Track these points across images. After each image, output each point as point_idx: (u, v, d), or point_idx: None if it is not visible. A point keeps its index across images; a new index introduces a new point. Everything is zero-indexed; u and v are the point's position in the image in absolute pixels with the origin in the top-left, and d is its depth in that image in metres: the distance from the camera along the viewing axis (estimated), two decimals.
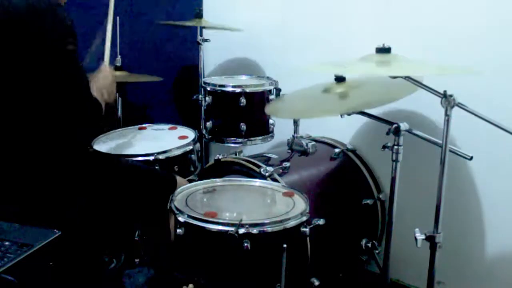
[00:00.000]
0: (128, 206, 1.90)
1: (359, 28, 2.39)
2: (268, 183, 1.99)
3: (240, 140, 2.43)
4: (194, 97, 2.69)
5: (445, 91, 1.51)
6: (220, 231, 1.61)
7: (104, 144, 2.26)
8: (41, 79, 1.64)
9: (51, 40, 1.63)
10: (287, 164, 2.11)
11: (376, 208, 2.32)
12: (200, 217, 1.65)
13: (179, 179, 2.02)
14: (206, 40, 2.77)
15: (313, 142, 2.17)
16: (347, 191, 2.31)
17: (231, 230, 1.58)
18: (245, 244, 1.57)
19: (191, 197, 1.85)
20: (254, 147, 2.54)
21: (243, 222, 1.60)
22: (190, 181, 2.08)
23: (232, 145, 2.45)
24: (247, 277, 1.64)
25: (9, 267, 1.18)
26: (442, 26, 2.15)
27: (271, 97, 2.44)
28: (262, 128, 2.47)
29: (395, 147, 1.64)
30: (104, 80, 2.01)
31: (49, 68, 1.64)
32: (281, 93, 2.44)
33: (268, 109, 1.96)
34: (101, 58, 2.18)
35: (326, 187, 2.22)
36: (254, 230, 1.60)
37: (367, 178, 2.32)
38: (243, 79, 2.64)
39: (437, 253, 1.60)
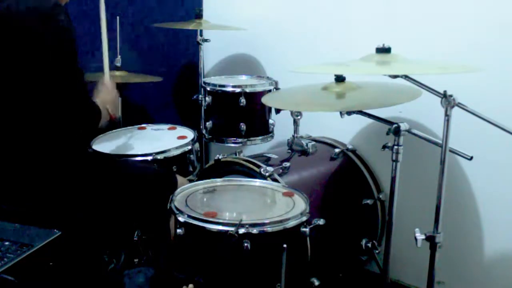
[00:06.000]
0: (128, 206, 1.90)
1: (359, 28, 2.39)
2: (268, 183, 1.99)
3: (240, 140, 2.42)
4: (194, 97, 2.69)
5: (445, 91, 1.51)
6: (220, 231, 1.61)
7: (104, 144, 2.26)
8: (40, 81, 1.64)
9: (50, 42, 1.63)
10: (287, 164, 2.11)
11: (376, 208, 2.31)
12: (200, 217, 1.65)
13: (179, 178, 2.02)
14: (206, 40, 2.77)
15: (313, 142, 2.16)
16: (347, 191, 2.31)
17: (231, 230, 1.58)
18: (245, 244, 1.57)
19: (191, 197, 1.85)
20: (254, 147, 2.54)
21: (243, 222, 1.59)
22: (189, 181, 2.08)
23: (232, 145, 2.44)
24: (247, 277, 1.64)
25: (9, 267, 1.18)
26: (442, 26, 2.14)
27: None
28: (262, 128, 2.46)
29: (395, 147, 1.64)
30: (107, 95, 1.98)
31: (48, 70, 1.64)
32: None
33: (264, 99, 1.95)
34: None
35: (326, 187, 2.22)
36: (254, 230, 1.60)
37: (367, 178, 2.32)
38: (243, 79, 2.64)
39: (437, 253, 1.59)
